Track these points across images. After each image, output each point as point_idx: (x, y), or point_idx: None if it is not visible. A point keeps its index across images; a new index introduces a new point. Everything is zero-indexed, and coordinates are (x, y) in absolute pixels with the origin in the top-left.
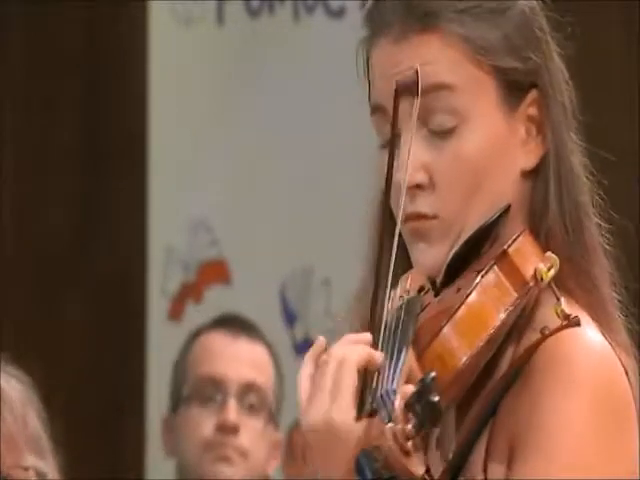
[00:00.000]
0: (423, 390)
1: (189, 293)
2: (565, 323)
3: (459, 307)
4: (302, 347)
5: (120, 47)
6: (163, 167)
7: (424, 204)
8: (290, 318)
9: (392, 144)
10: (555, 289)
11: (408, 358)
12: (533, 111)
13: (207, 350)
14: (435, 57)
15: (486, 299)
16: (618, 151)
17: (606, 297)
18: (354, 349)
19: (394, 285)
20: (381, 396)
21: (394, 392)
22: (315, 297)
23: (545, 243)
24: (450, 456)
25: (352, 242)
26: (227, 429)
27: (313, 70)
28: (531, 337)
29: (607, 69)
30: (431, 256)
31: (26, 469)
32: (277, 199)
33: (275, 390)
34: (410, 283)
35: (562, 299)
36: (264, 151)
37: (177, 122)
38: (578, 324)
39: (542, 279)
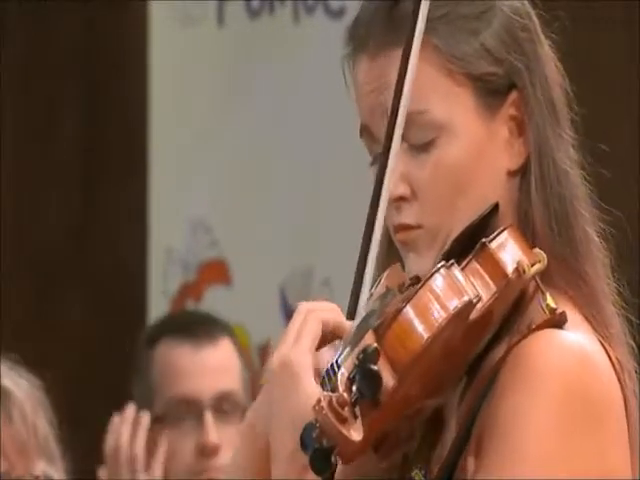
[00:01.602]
0: (364, 360)
1: (189, 293)
2: (550, 317)
3: (419, 289)
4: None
5: (120, 47)
6: (163, 167)
7: (407, 215)
8: (290, 319)
9: (390, 125)
10: (540, 284)
11: (364, 340)
12: (514, 112)
13: (170, 367)
14: None
15: (452, 283)
16: (618, 146)
17: (598, 292)
18: (325, 306)
19: (375, 283)
20: (326, 371)
21: (338, 366)
22: (315, 297)
23: (533, 240)
24: (445, 453)
25: (352, 242)
26: (208, 452)
27: (313, 70)
28: (520, 332)
29: (608, 66)
30: (421, 265)
31: (37, 477)
32: (277, 199)
33: (242, 379)
34: (388, 280)
35: (547, 293)
36: (264, 151)
37: (177, 122)
38: (564, 319)
39: (524, 272)
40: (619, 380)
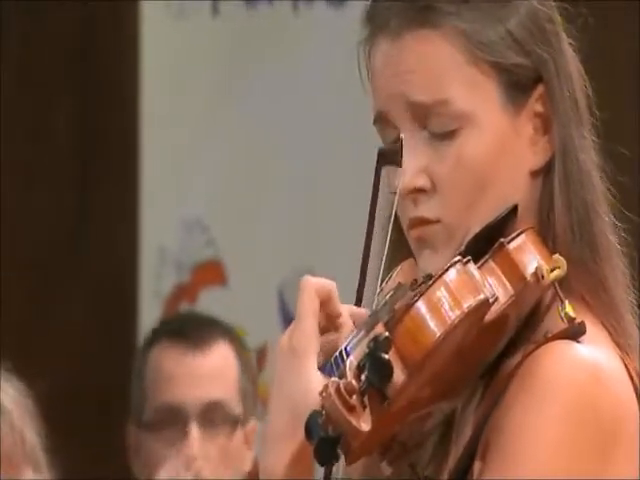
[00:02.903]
0: (375, 348)
1: (183, 295)
2: (568, 327)
3: (433, 283)
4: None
5: (112, 42)
6: (156, 164)
7: (426, 208)
8: (289, 322)
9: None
10: (559, 291)
11: (374, 330)
12: (540, 108)
13: (160, 373)
14: (433, 56)
15: (468, 280)
16: (636, 148)
17: (617, 300)
18: (315, 279)
19: (386, 279)
20: (334, 358)
21: (347, 353)
22: None
23: (553, 245)
24: (458, 457)
25: (355, 241)
26: (190, 463)
27: (313, 63)
28: (536, 341)
29: (624, 65)
30: (436, 263)
31: None
32: (276, 196)
33: (239, 385)
34: (401, 275)
35: (566, 302)
36: (262, 147)
37: (171, 118)
38: (582, 329)
39: (543, 277)
40: (637, 394)
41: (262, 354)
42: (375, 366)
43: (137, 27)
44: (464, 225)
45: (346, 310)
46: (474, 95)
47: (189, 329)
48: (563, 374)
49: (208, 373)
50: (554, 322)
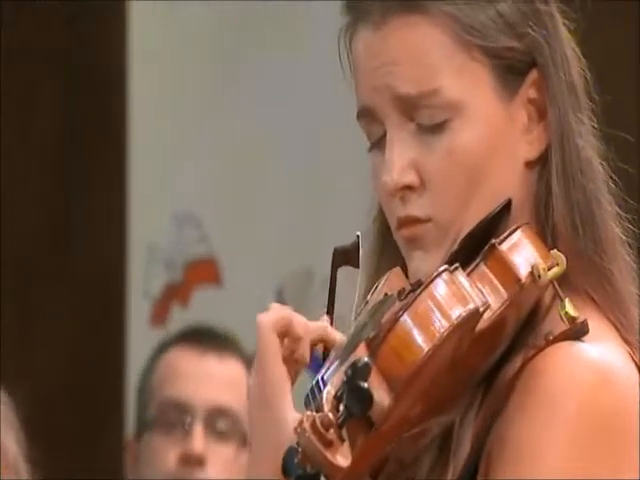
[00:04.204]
0: (353, 375)
1: (175, 296)
2: (569, 327)
3: (418, 296)
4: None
5: (99, 30)
6: (145, 154)
7: (416, 206)
8: None
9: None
10: (558, 289)
11: (354, 354)
12: (534, 93)
13: (171, 370)
14: (421, 43)
15: (455, 289)
16: (638, 134)
17: (623, 294)
18: (267, 313)
19: (372, 289)
20: (311, 389)
21: (324, 383)
22: (315, 301)
23: (552, 240)
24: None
25: (355, 240)
26: (192, 461)
27: (314, 52)
28: (537, 343)
29: (623, 47)
30: (428, 264)
31: None
32: (274, 189)
33: None
34: (387, 285)
35: (566, 300)
36: (260, 138)
37: (160, 107)
38: (585, 328)
39: (540, 277)
40: None
41: (245, 351)
42: (353, 396)
43: (126, 12)
44: (457, 223)
45: (322, 329)
46: (465, 83)
47: (208, 336)
48: (569, 378)
49: (221, 377)
50: (555, 323)
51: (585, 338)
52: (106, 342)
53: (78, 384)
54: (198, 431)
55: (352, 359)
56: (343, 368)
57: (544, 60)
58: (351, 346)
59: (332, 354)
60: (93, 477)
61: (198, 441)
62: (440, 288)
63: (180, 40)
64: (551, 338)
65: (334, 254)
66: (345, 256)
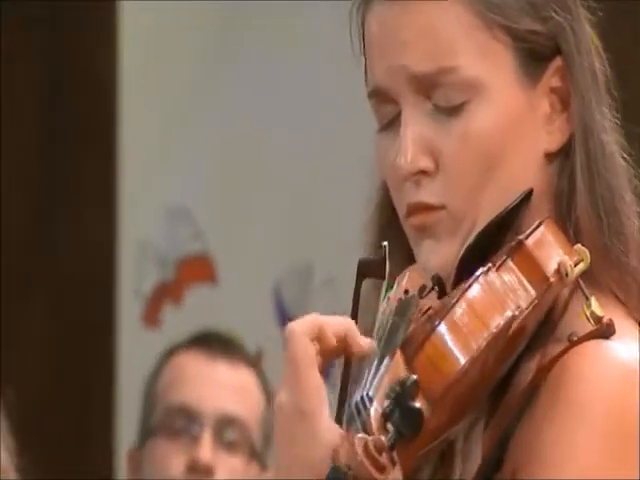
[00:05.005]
0: (402, 395)
1: (167, 294)
2: (596, 328)
3: (456, 303)
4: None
5: (87, 21)
6: (136, 147)
7: (430, 193)
8: (286, 324)
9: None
10: (584, 287)
11: (394, 364)
12: (557, 82)
13: (179, 374)
14: (440, 19)
15: (490, 294)
16: None
17: None
18: (299, 321)
19: (390, 285)
20: (355, 405)
21: (370, 399)
22: (316, 299)
23: (574, 234)
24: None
25: (358, 235)
26: (199, 469)
27: (311, 36)
28: (557, 346)
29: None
30: (439, 255)
31: None
32: (270, 185)
33: (262, 421)
34: (409, 282)
35: (592, 299)
36: (255, 129)
37: (152, 96)
38: (611, 329)
39: (567, 275)
40: None
41: (256, 361)
42: (405, 417)
43: (114, 6)
44: (471, 212)
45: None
46: (485, 64)
47: (218, 341)
48: (599, 385)
49: (231, 384)
50: (578, 322)
51: (612, 339)
52: (96, 344)
53: (67, 388)
54: (206, 439)
55: (392, 372)
56: (385, 382)
57: (568, 47)
58: (386, 354)
59: (363, 364)
60: (80, 476)
61: (206, 449)
62: (477, 294)
63: (171, 32)
64: (575, 339)
65: (359, 266)
66: (370, 267)
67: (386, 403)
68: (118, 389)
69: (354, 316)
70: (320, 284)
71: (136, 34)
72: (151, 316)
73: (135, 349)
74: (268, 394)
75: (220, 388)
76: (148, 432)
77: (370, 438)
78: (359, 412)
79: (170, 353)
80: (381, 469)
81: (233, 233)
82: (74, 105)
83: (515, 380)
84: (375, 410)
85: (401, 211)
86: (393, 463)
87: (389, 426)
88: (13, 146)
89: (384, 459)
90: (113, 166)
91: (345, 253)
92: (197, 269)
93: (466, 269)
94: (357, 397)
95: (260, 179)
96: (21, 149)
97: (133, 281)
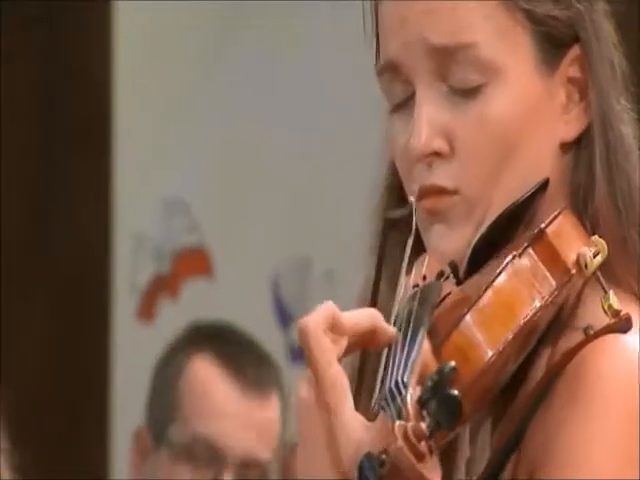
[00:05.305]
0: (440, 382)
1: (163, 288)
2: (614, 322)
3: (484, 292)
4: (299, 353)
5: (83, 21)
6: (131, 138)
7: (443, 176)
8: (284, 318)
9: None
10: (602, 279)
11: (424, 350)
12: (575, 71)
13: (206, 399)
14: None
15: (518, 284)
16: None
17: None
18: (310, 316)
19: (407, 271)
20: (389, 389)
21: (404, 385)
22: (315, 293)
23: (591, 227)
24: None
25: (358, 227)
26: None
27: (310, 28)
28: (572, 338)
29: None
30: (451, 241)
31: None
32: (269, 176)
33: (279, 448)
34: (427, 267)
35: (611, 292)
36: (253, 120)
37: (147, 86)
38: (629, 324)
39: (586, 267)
40: None
41: (279, 374)
42: (444, 406)
43: None
44: (485, 198)
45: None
46: (504, 45)
47: (247, 362)
48: (618, 381)
49: (261, 424)
50: (594, 315)
51: (629, 333)
52: (90, 339)
53: (61, 384)
54: (227, 477)
55: (424, 359)
56: (417, 368)
57: (587, 35)
58: (414, 340)
59: (388, 351)
60: (74, 472)
61: None
62: (505, 283)
63: (168, 21)
64: (592, 333)
65: (384, 222)
66: (395, 223)
67: (422, 390)
68: (114, 383)
69: (377, 276)
70: (319, 277)
71: (133, 26)
72: (147, 310)
73: (130, 343)
74: (284, 410)
75: (250, 428)
76: (165, 441)
77: (410, 425)
78: (393, 398)
79: (189, 352)
80: (421, 457)
81: (230, 225)
82: (71, 100)
83: (526, 375)
84: (411, 396)
85: (412, 195)
86: (431, 452)
87: (425, 414)
88: (12, 142)
89: (423, 447)
90: (109, 158)
91: (345, 245)
92: (193, 262)
93: (478, 258)
94: (390, 383)
95: (258, 170)
96: (18, 144)
97: (128, 274)
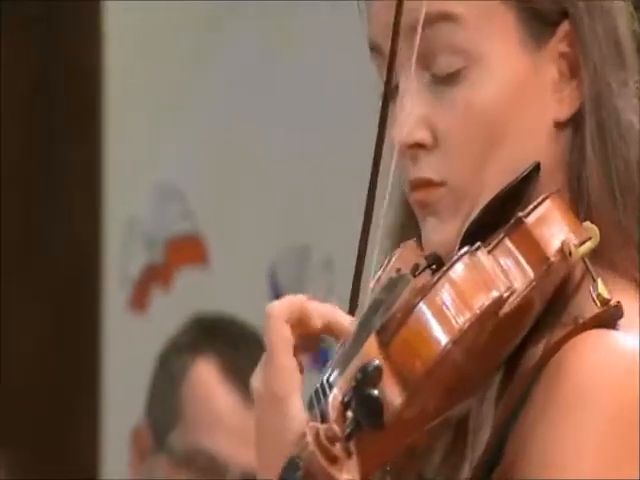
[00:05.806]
0: (362, 382)
1: (156, 277)
2: (602, 310)
3: (436, 282)
4: (297, 345)
5: (77, 20)
6: (122, 121)
7: (428, 168)
8: None
9: (385, 101)
10: (590, 268)
11: (366, 347)
12: (565, 47)
13: (209, 409)
14: None
15: (477, 274)
16: None
17: None
18: (277, 302)
19: (384, 264)
20: (315, 391)
21: (330, 385)
22: (313, 282)
23: (587, 210)
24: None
25: (357, 215)
26: None
27: (299, 24)
28: (564, 328)
29: None
30: (441, 233)
31: None
32: (265, 161)
33: None
34: (399, 260)
35: (599, 280)
36: (249, 104)
37: (140, 70)
38: (619, 312)
39: (570, 254)
40: None
41: None
42: (363, 406)
43: None
44: (474, 188)
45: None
46: (487, 24)
47: (251, 370)
48: (601, 377)
49: None
50: (585, 304)
51: (619, 322)
52: (80, 330)
53: (50, 376)
54: None
55: (361, 358)
56: (352, 368)
57: (576, 11)
58: (361, 337)
59: (339, 346)
60: (65, 469)
61: None
62: (461, 273)
63: (164, 6)
64: (581, 322)
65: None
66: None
67: (346, 390)
68: (104, 375)
69: (377, 157)
70: (318, 266)
71: (127, 9)
72: (138, 300)
73: (121, 335)
74: None
75: (251, 444)
76: (167, 446)
77: (322, 427)
78: (318, 399)
79: (194, 354)
80: (333, 460)
81: (226, 211)
82: (62, 81)
83: (525, 359)
84: (334, 397)
85: (405, 187)
86: (348, 454)
87: (348, 415)
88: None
89: (337, 450)
90: (99, 142)
91: (344, 233)
92: (187, 250)
93: (471, 244)
94: (318, 384)
95: (254, 155)
96: (5, 126)
97: (120, 263)
